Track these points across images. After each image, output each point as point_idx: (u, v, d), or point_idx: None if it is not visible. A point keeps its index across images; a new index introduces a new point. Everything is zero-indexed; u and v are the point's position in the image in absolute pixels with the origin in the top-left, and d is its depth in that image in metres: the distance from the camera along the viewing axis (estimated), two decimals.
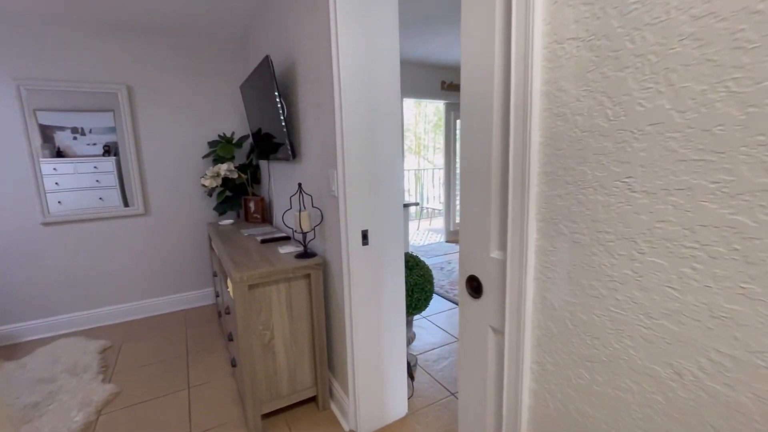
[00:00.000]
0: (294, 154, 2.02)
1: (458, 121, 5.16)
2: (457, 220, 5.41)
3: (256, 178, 3.15)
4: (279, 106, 1.93)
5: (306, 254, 1.79)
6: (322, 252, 1.85)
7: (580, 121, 0.62)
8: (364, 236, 1.56)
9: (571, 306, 0.67)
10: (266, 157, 2.45)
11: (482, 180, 0.87)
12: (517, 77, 0.71)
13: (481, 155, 0.86)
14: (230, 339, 2.04)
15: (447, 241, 5.38)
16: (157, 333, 2.76)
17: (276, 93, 1.91)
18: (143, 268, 3.03)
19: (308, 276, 1.76)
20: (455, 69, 4.93)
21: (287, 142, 1.99)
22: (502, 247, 0.86)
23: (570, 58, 0.62)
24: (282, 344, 1.76)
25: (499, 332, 0.91)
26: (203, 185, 2.84)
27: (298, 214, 1.72)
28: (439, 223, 6.45)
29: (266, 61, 1.90)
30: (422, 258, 4.59)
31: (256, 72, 2.13)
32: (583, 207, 0.63)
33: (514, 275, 0.78)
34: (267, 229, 2.54)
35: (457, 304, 3.11)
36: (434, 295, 3.31)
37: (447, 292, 3.41)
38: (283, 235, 2.21)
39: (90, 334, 2.79)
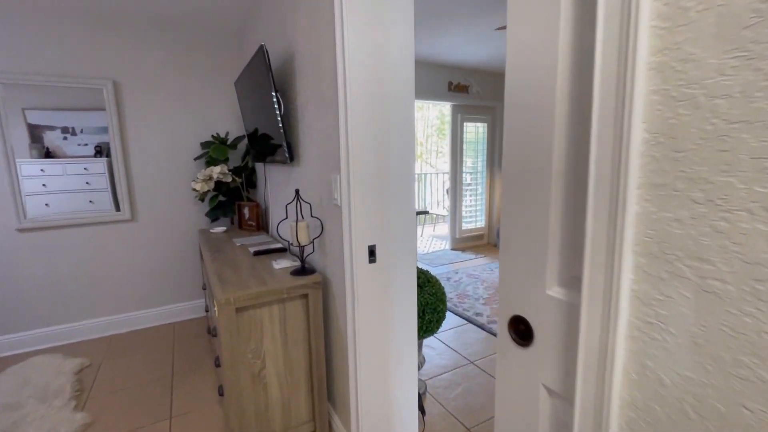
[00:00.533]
0: (291, 157, 1.81)
1: (466, 124, 4.95)
2: (464, 226, 5.18)
3: (251, 182, 2.93)
4: (275, 102, 1.71)
5: (303, 271, 1.57)
6: (322, 268, 1.62)
7: (724, 108, 0.40)
8: (372, 252, 1.34)
9: (698, 387, 0.44)
10: (262, 160, 2.23)
11: (535, 190, 0.65)
12: (607, 44, 0.49)
13: (534, 156, 0.64)
14: (217, 364, 1.81)
15: (453, 249, 5.15)
16: (142, 349, 2.53)
17: (272, 87, 1.69)
18: (128, 278, 2.81)
19: (305, 296, 1.54)
20: (463, 69, 4.73)
21: (284, 142, 1.77)
22: (567, 283, 0.64)
23: (706, 10, 0.40)
24: (275, 374, 1.53)
25: (557, 395, 0.68)
26: (194, 189, 2.63)
27: (294, 224, 1.50)
28: (444, 229, 6.22)
29: (261, 52, 1.68)
30: (430, 270, 4.37)
31: (250, 65, 1.92)
32: (726, 240, 0.41)
33: (592, 326, 0.55)
34: (261, 238, 2.32)
35: (467, 320, 2.88)
36: None
37: (455, 305, 3.18)
38: (279, 246, 1.99)
39: (68, 350, 2.56)
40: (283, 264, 1.68)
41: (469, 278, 3.90)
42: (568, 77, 0.59)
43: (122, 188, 2.69)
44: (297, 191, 1.52)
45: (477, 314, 2.97)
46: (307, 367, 1.59)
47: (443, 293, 1.86)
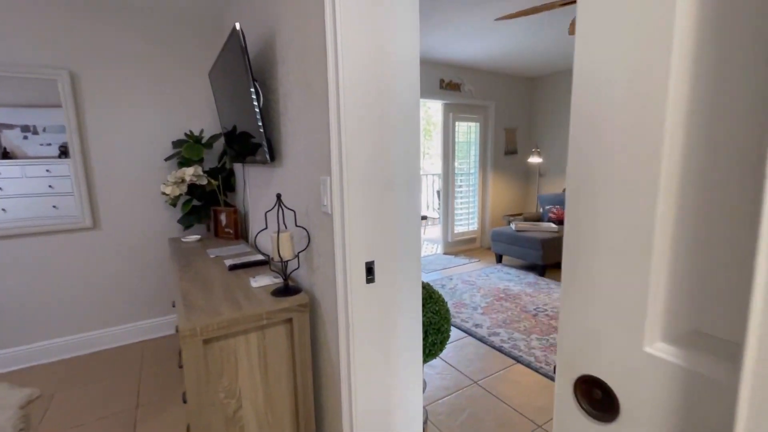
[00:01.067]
0: (272, 156, 1.56)
1: (458, 124, 4.77)
2: (456, 229, 5.00)
3: (229, 185, 2.66)
4: (252, 92, 1.47)
5: (287, 290, 1.32)
6: (309, 286, 1.38)
7: None
8: (369, 270, 1.11)
9: None
10: (241, 160, 1.97)
11: (630, 197, 0.43)
12: None
13: (631, 159, 0.43)
14: (185, 400, 1.55)
15: (445, 253, 4.96)
16: (104, 374, 2.23)
17: (248, 75, 1.45)
18: (90, 292, 2.50)
19: (289, 321, 1.30)
20: (455, 66, 4.54)
21: (263, 139, 1.52)
22: (683, 340, 0.43)
23: None
24: (253, 415, 1.28)
25: None
26: (164, 193, 2.34)
27: (275, 235, 1.26)
28: (435, 232, 6.03)
29: (235, 34, 1.43)
30: (423, 277, 4.15)
31: (224, 50, 1.67)
32: None
33: (759, 414, 0.33)
34: (240, 248, 2.06)
35: (466, 332, 2.68)
36: None
37: (453, 316, 2.97)
38: (259, 258, 1.74)
39: (18, 377, 2.24)
40: (262, 282, 1.43)
41: (464, 285, 3.71)
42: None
43: (82, 192, 2.38)
44: (278, 196, 1.28)
45: (476, 325, 2.77)
46: (293, 405, 1.34)
47: (447, 311, 1.64)
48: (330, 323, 1.24)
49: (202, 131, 2.57)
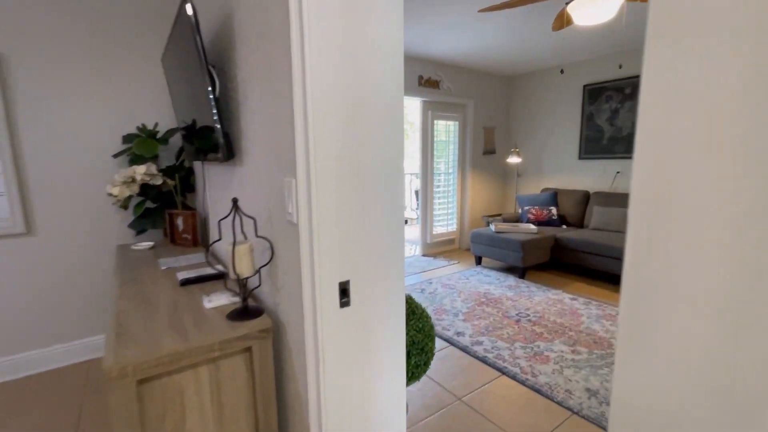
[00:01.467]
0: (231, 153, 1.35)
1: (436, 122, 4.64)
2: (435, 230, 4.87)
3: (189, 185, 2.40)
4: (207, 78, 1.25)
5: (246, 313, 1.12)
6: (273, 306, 1.18)
7: None
8: (344, 292, 0.92)
9: None
10: (201, 158, 1.73)
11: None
12: None
13: None
14: None
15: (424, 255, 4.82)
16: (38, 403, 1.94)
17: (201, 57, 1.23)
18: (23, 307, 2.18)
19: (249, 350, 1.09)
20: (434, 63, 4.41)
21: (220, 134, 1.31)
22: None
23: None
24: None
25: None
26: (110, 194, 2.06)
27: (231, 248, 1.05)
28: (414, 233, 5.89)
29: (184, 10, 1.21)
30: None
31: (175, 29, 1.44)
32: None
33: None
34: (197, 257, 1.82)
35: (448, 341, 2.53)
36: None
37: (434, 323, 2.82)
38: (217, 271, 1.51)
39: None
40: (217, 301, 1.21)
41: (444, 289, 3.58)
42: None
43: (12, 192, 2.07)
44: (235, 201, 1.07)
45: (458, 333, 2.64)
46: None
47: (431, 327, 1.48)
48: (298, 352, 1.05)
49: (156, 125, 2.30)
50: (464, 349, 2.43)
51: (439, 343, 2.53)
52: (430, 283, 3.76)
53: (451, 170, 4.91)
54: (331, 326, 0.93)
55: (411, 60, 4.23)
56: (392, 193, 0.95)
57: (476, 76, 4.85)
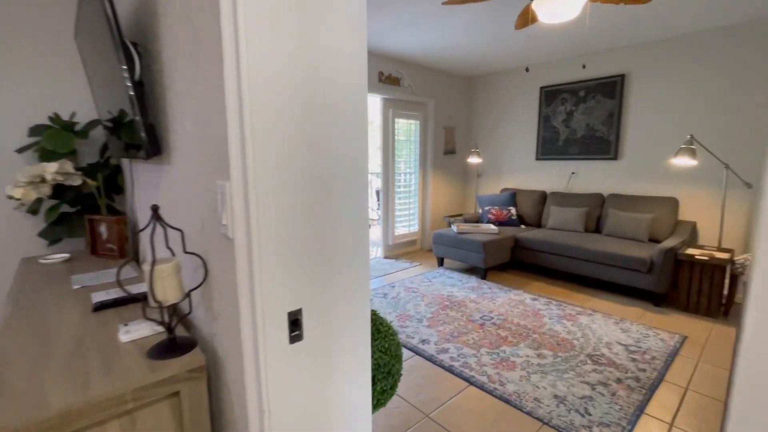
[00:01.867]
0: (156, 148, 1.11)
1: (397, 120, 4.52)
2: (397, 231, 4.75)
3: (116, 186, 2.07)
4: (121, 55, 1.01)
5: (173, 347, 0.90)
6: (209, 337, 0.97)
7: None
8: (295, 323, 0.74)
9: None
10: (131, 154, 1.45)
11: None
12: None
13: None
14: None
15: (386, 257, 4.69)
16: None
17: (112, 31, 0.98)
18: None
19: (176, 394, 0.88)
20: (395, 59, 4.28)
21: (141, 125, 1.07)
22: None
23: None
24: None
25: None
26: (10, 197, 1.71)
27: (149, 268, 0.83)
28: (375, 234, 5.75)
29: None
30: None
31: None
32: None
33: None
34: (122, 273, 1.54)
35: (413, 351, 2.41)
36: None
37: (398, 331, 2.69)
38: (140, 292, 1.26)
39: None
40: (137, 332, 0.98)
41: (407, 292, 3.46)
42: None
43: None
44: (155, 209, 0.85)
45: (423, 341, 2.52)
46: None
47: (398, 345, 1.33)
48: (238, 396, 0.85)
49: (74, 115, 1.96)
50: (430, 359, 2.31)
51: (404, 353, 2.40)
52: (393, 286, 3.63)
53: (412, 170, 4.82)
54: (279, 367, 0.75)
55: (370, 55, 4.08)
56: (355, 202, 0.79)
57: (437, 74, 4.79)
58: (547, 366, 2.20)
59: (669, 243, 3.07)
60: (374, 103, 4.42)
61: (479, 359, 2.29)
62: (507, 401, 1.89)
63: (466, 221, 4.55)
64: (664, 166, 3.63)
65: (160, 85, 1.11)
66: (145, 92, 1.17)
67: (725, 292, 3.20)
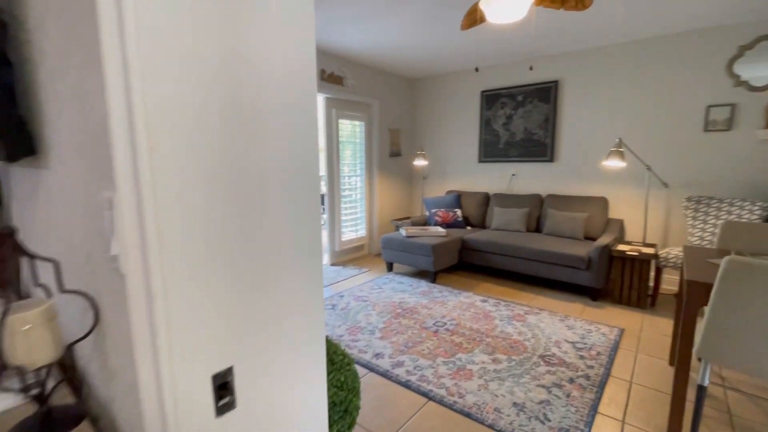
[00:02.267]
0: (27, 147, 0.83)
1: (341, 121, 4.33)
2: (344, 236, 4.56)
3: None
4: None
5: (48, 423, 0.64)
6: (106, 402, 0.72)
7: None
8: (224, 387, 0.54)
9: None
10: (10, 156, 1.10)
11: None
12: None
13: None
14: None
15: (333, 264, 4.47)
16: None
17: None
18: None
19: None
20: (337, 57, 4.09)
21: (8, 116, 0.78)
22: None
23: None
24: None
25: None
26: None
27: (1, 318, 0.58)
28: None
29: None
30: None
31: None
32: None
33: None
34: None
35: (366, 367, 2.24)
36: None
37: (348, 346, 2.50)
38: None
39: None
40: None
41: (357, 302, 3.29)
42: None
43: None
44: (10, 233, 0.60)
45: (377, 355, 2.37)
46: None
47: (355, 375, 1.16)
48: None
49: None
50: (385, 374, 2.16)
51: (358, 370, 2.22)
52: (342, 296, 3.44)
53: (357, 172, 4.66)
54: None
55: None
56: (305, 219, 0.60)
57: (382, 75, 4.69)
58: (503, 371, 2.17)
59: (603, 240, 3.26)
60: (316, 102, 4.19)
61: (436, 370, 2.19)
62: (468, 415, 1.80)
63: (414, 224, 4.50)
64: (594, 167, 3.87)
65: (29, 63, 0.83)
66: (15, 74, 0.88)
67: (651, 284, 3.47)
